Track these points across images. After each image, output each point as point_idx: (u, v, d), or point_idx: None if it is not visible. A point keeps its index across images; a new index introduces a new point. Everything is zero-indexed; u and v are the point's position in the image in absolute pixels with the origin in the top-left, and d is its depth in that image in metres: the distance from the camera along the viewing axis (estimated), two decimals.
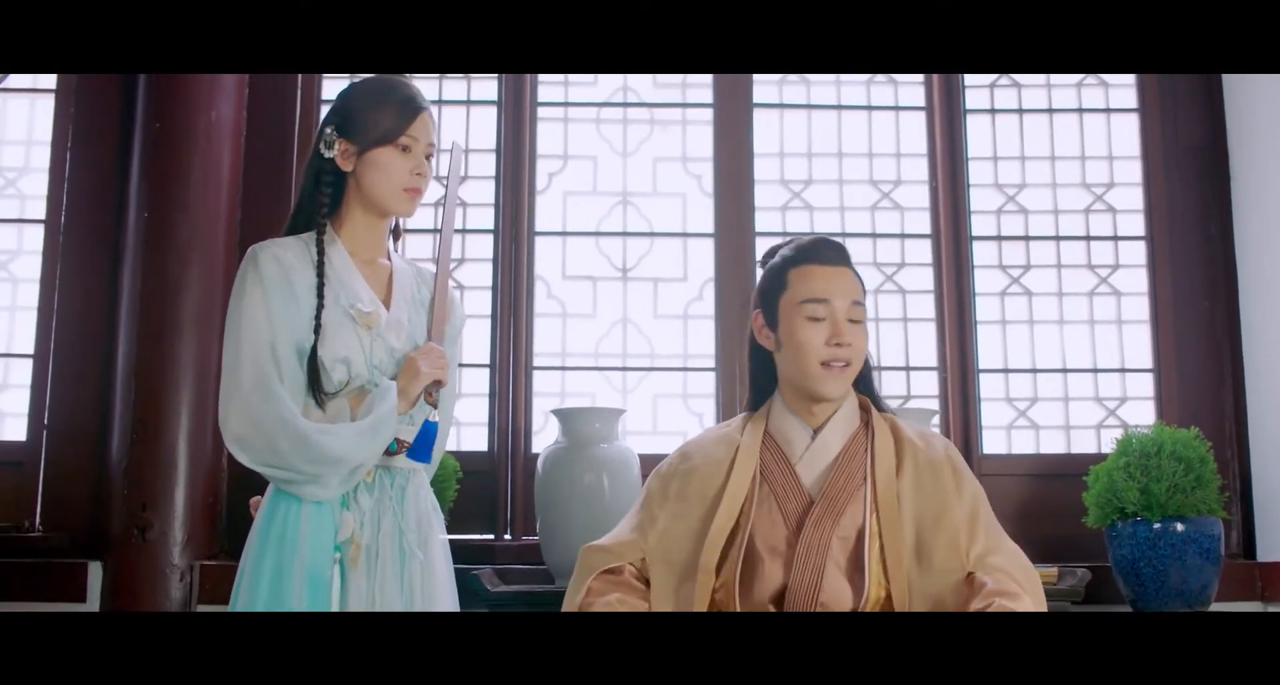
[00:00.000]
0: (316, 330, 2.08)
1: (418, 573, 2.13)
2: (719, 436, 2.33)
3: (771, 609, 2.17)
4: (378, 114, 2.15)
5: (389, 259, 2.26)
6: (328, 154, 2.16)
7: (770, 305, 2.26)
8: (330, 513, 2.06)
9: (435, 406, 2.15)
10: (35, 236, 3.66)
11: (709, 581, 2.15)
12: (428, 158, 2.21)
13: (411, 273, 2.29)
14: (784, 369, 2.25)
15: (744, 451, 2.23)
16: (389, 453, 2.12)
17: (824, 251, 2.28)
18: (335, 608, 2.04)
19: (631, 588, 2.21)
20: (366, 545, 2.08)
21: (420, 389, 2.13)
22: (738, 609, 2.17)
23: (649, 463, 3.30)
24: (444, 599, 2.19)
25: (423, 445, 2.14)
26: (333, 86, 3.80)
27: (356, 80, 2.28)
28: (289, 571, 2.01)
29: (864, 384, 2.31)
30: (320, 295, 2.10)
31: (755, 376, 2.36)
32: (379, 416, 2.06)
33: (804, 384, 2.21)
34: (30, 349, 3.58)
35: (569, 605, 2.22)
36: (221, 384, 2.07)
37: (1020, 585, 2.09)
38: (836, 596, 2.15)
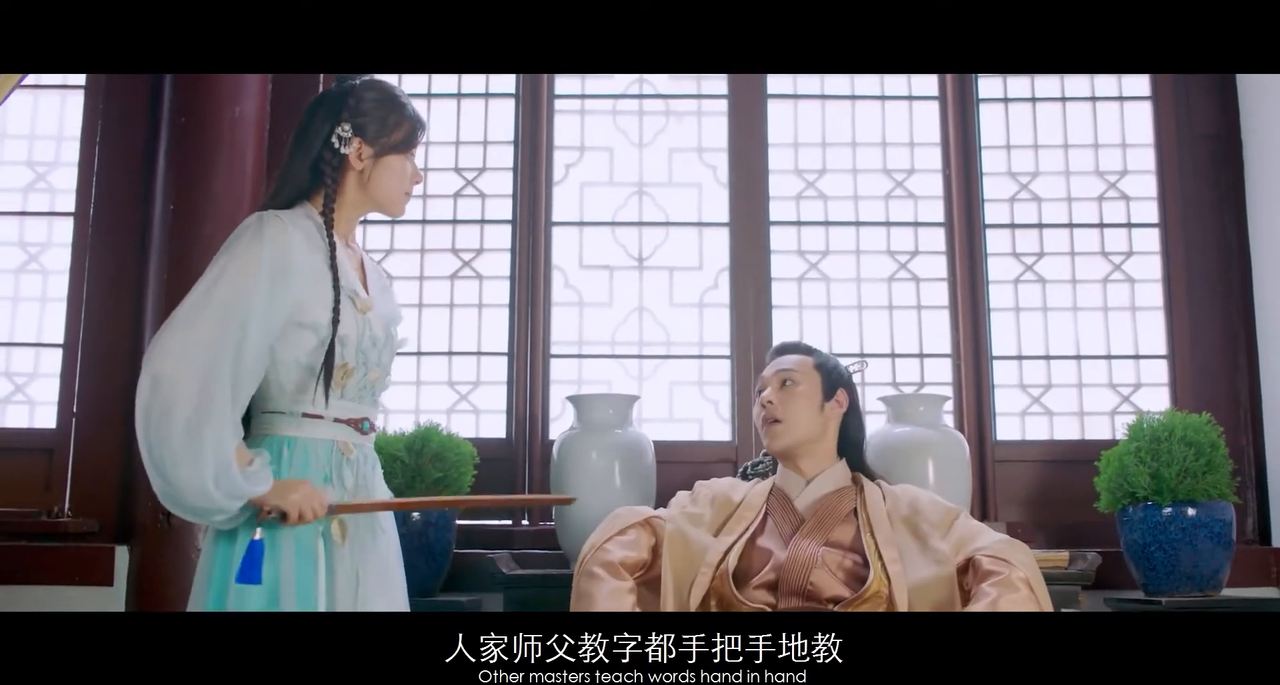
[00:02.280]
0: (335, 322, 2.13)
1: (384, 547, 2.19)
2: (736, 482, 2.80)
3: (770, 595, 2.45)
4: (397, 123, 2.23)
5: (353, 245, 2.31)
6: (343, 150, 2.21)
7: None
8: (314, 485, 2.12)
9: (260, 525, 2.07)
10: (65, 229, 3.75)
11: (707, 579, 2.48)
12: None
13: (371, 260, 2.36)
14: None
15: (754, 493, 2.69)
16: (363, 432, 2.19)
17: (777, 351, 2.82)
18: (322, 580, 2.09)
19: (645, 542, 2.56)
20: (350, 521, 2.13)
21: (277, 504, 2.05)
22: (733, 588, 2.44)
23: (664, 449, 3.37)
24: (399, 578, 2.23)
25: (251, 566, 2.06)
26: None
27: (360, 81, 2.31)
28: (279, 545, 2.06)
29: (855, 458, 2.72)
30: (336, 288, 2.15)
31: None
32: (240, 488, 1.99)
33: (767, 445, 2.72)
34: (60, 339, 3.67)
35: (589, 546, 2.51)
36: (169, 322, 2.00)
37: (1010, 561, 2.34)
38: (825, 582, 2.44)
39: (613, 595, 2.37)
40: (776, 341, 3.69)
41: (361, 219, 2.35)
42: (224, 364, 1.99)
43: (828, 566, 2.45)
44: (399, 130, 2.24)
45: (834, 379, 2.70)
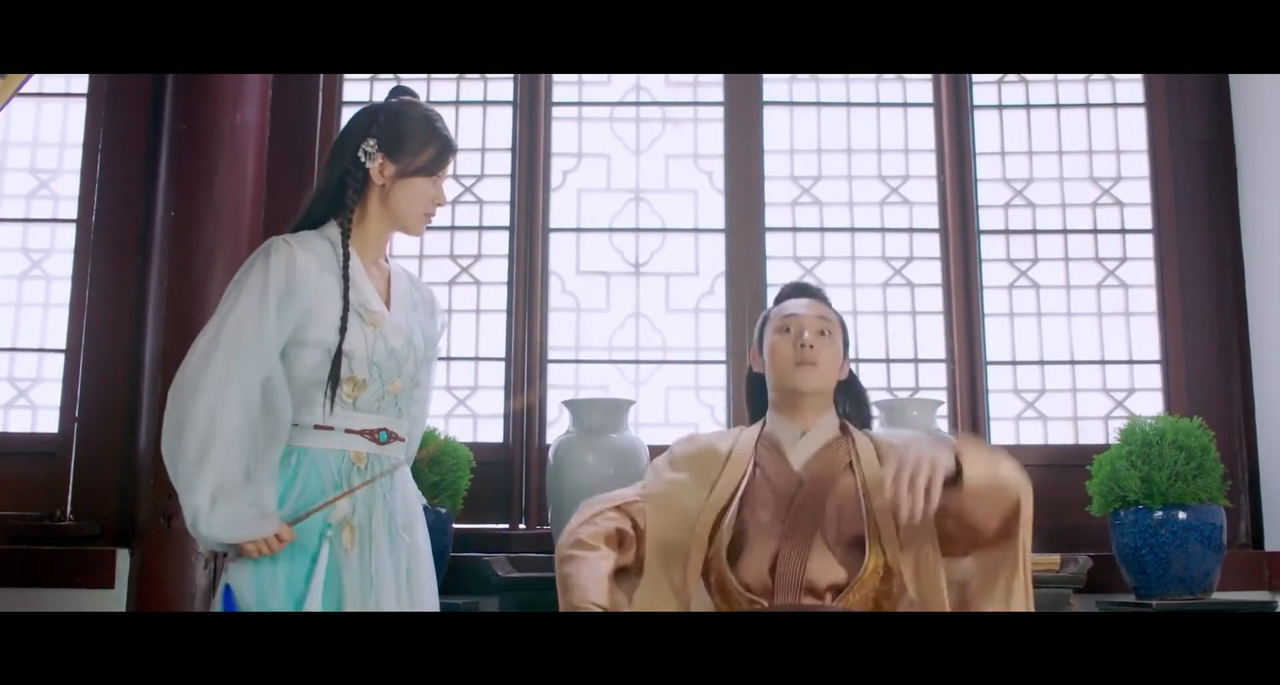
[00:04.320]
0: (342, 331, 2.18)
1: (404, 555, 2.24)
2: (721, 432, 2.64)
3: (767, 576, 2.33)
4: (424, 146, 2.27)
5: (387, 262, 2.36)
6: (368, 164, 2.25)
7: (760, 338, 2.62)
8: (322, 494, 2.17)
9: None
10: (67, 236, 3.79)
11: (701, 551, 2.37)
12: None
13: (405, 276, 2.40)
14: (769, 380, 2.56)
15: (742, 442, 2.53)
16: (380, 443, 2.23)
17: (798, 290, 2.67)
18: (319, 582, 2.13)
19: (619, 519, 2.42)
20: (359, 528, 2.17)
21: (240, 543, 2.13)
22: (729, 574, 2.34)
23: (659, 454, 3.38)
24: (427, 580, 2.30)
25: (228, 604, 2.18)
26: (353, 88, 3.91)
27: (396, 100, 2.36)
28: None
29: (853, 405, 2.63)
30: (346, 298, 2.19)
31: (750, 401, 2.70)
32: (204, 532, 2.10)
33: (782, 383, 2.52)
34: (62, 344, 3.71)
35: (562, 539, 2.39)
36: (188, 354, 2.15)
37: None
38: (824, 568, 2.33)
39: (592, 567, 2.29)
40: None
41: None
42: (232, 397, 2.10)
43: (826, 543, 2.34)
44: (425, 153, 2.27)
45: (847, 339, 2.63)
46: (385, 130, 2.26)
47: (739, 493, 2.43)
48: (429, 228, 3.70)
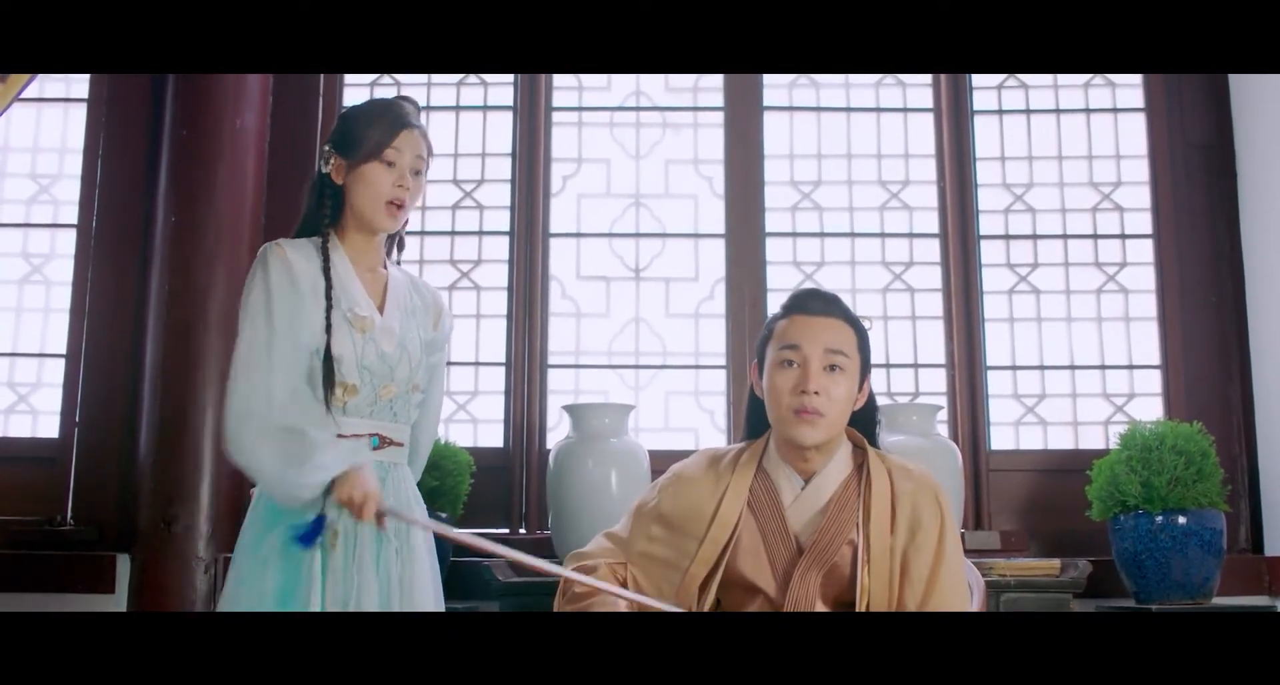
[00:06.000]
0: (328, 329, 2.19)
1: (394, 558, 2.22)
2: (710, 466, 2.30)
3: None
4: (367, 131, 2.27)
5: (386, 268, 2.36)
6: (325, 169, 2.29)
7: (760, 356, 2.29)
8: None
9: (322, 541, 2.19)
10: (68, 241, 3.79)
11: (689, 607, 2.20)
12: (415, 173, 2.30)
13: (406, 282, 2.40)
14: (769, 417, 2.25)
15: (733, 492, 2.24)
16: (371, 448, 2.24)
17: (808, 302, 2.26)
18: (315, 585, 2.14)
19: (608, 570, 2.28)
20: (344, 531, 2.17)
21: (339, 496, 2.12)
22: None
23: (660, 458, 3.38)
24: (425, 584, 2.28)
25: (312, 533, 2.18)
26: (354, 94, 3.91)
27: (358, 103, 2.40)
28: (263, 546, 2.16)
29: (864, 425, 2.31)
30: (329, 298, 2.21)
31: (749, 421, 2.36)
32: (306, 469, 2.11)
33: (780, 429, 2.22)
34: (63, 349, 3.71)
35: (557, 602, 2.29)
36: (233, 371, 2.19)
37: None
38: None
39: (601, 601, 2.19)
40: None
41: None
42: (265, 392, 2.15)
43: (824, 602, 2.18)
44: (369, 138, 2.26)
45: (867, 360, 2.26)
46: (337, 131, 2.31)
47: (729, 550, 2.20)
48: (429, 233, 3.83)
